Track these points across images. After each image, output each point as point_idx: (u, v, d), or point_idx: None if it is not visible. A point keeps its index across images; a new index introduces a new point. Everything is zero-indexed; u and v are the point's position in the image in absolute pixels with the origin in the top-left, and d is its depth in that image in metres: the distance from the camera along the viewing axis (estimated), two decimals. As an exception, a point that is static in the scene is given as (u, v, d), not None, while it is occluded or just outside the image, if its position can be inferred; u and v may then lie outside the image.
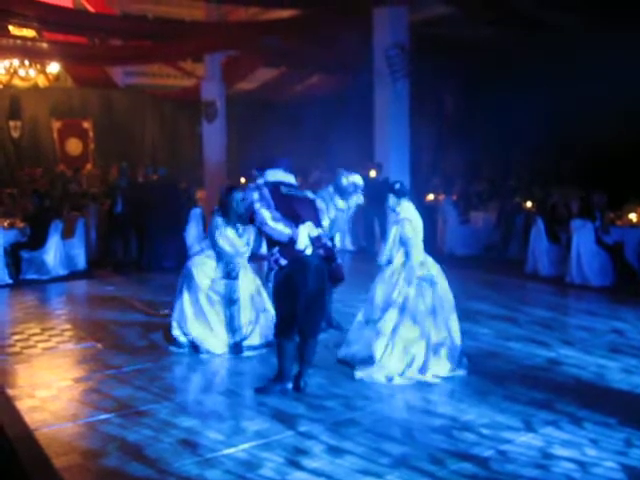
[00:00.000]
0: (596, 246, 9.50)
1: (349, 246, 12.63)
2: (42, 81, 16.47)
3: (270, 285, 5.16)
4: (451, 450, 4.17)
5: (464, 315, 6.63)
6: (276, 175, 5.15)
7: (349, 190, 6.59)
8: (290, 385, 5.23)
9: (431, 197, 13.52)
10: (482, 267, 11.11)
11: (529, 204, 11.98)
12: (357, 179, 6.57)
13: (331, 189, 6.67)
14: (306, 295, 4.98)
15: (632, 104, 10.45)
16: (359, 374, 5.54)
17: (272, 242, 5.00)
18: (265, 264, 5.25)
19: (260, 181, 5.11)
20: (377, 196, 7.81)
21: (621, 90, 10.47)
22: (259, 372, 5.79)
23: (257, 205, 4.93)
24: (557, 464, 3.98)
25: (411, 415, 4.77)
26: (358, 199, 6.68)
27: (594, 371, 5.68)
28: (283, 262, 4.94)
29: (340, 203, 6.66)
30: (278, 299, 5.13)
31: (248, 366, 6.01)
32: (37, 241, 10.38)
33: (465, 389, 5.32)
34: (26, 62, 15.63)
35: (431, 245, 6.05)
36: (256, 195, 4.98)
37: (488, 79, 13.15)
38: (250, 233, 6.28)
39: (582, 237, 9.50)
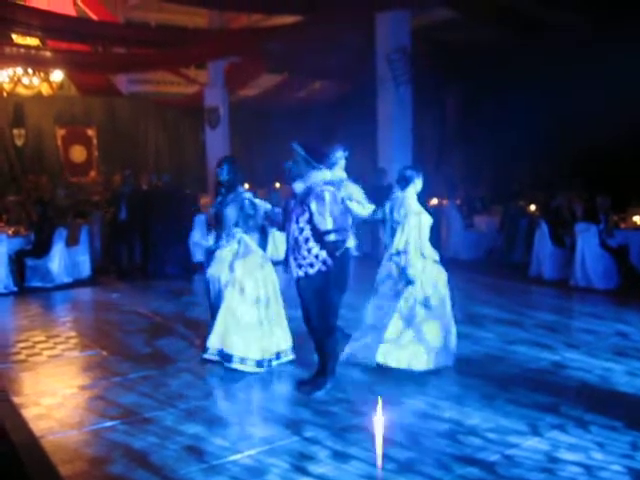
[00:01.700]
0: (600, 249, 9.49)
1: (353, 252, 12.59)
2: (46, 89, 16.52)
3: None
4: (457, 455, 4.16)
5: (468, 319, 6.65)
6: (325, 175, 5.21)
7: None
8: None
9: (435, 202, 13.52)
10: (486, 271, 11.10)
11: (533, 207, 11.97)
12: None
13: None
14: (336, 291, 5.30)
15: (636, 106, 10.44)
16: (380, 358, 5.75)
17: (321, 244, 5.07)
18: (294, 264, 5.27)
19: (323, 179, 5.15)
20: (381, 201, 7.80)
21: (625, 92, 10.47)
22: (264, 377, 5.80)
23: (340, 208, 5.11)
24: (563, 468, 3.97)
25: (416, 420, 4.76)
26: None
27: (599, 374, 5.67)
28: (330, 262, 5.11)
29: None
30: (326, 297, 5.20)
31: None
32: (41, 249, 10.39)
33: (470, 393, 5.31)
34: (30, 70, 15.68)
35: (436, 249, 6.07)
36: (330, 198, 5.07)
37: (490, 83, 13.16)
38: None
39: (586, 240, 9.50)
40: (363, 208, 6.67)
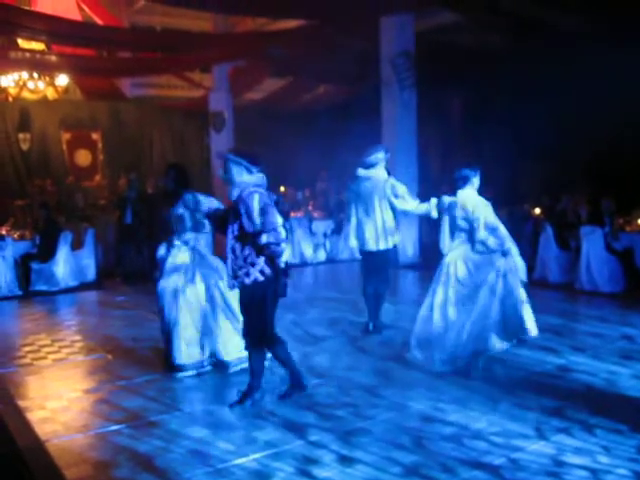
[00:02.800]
0: (606, 252, 9.47)
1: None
2: (51, 93, 16.60)
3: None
4: (462, 458, 4.15)
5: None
6: (256, 178, 4.98)
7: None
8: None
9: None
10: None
11: (537, 210, 11.94)
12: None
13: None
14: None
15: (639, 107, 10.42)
16: None
17: (256, 250, 4.86)
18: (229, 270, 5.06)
19: (253, 182, 4.94)
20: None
21: (629, 94, 10.45)
22: (268, 381, 5.79)
23: (270, 208, 4.82)
24: (569, 472, 3.96)
25: (421, 423, 4.76)
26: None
27: (605, 378, 5.65)
28: (268, 271, 4.90)
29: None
30: (269, 308, 5.03)
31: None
32: (47, 252, 10.42)
33: (475, 397, 5.30)
34: (35, 75, 15.76)
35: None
36: (259, 198, 4.83)
37: (494, 85, 13.15)
38: None
39: (591, 243, 9.48)
40: (406, 203, 6.82)
